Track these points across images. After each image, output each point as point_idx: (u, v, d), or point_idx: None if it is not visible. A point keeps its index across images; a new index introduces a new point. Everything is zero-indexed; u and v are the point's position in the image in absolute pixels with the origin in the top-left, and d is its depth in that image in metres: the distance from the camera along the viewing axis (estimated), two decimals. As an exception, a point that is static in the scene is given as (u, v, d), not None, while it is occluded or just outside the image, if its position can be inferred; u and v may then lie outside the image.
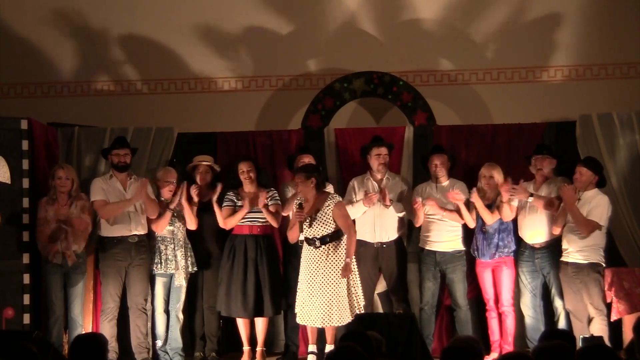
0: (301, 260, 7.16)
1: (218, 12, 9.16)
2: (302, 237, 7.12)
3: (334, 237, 7.07)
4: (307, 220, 7.06)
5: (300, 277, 7.15)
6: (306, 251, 7.13)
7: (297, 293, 7.16)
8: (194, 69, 9.21)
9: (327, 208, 7.06)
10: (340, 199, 7.23)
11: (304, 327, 7.55)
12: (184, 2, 9.19)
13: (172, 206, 7.40)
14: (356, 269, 7.12)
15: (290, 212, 7.36)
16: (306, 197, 7.09)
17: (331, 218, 7.05)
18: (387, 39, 9.05)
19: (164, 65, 9.19)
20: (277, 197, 7.51)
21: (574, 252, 7.01)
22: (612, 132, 7.66)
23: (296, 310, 7.18)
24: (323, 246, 7.05)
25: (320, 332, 7.28)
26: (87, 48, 9.24)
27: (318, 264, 7.05)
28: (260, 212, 7.39)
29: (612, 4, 8.87)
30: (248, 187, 7.49)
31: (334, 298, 7.01)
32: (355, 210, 7.43)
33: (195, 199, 7.49)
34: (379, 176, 7.56)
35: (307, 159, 7.55)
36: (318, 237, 7.04)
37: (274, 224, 7.44)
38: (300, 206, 7.06)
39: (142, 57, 9.22)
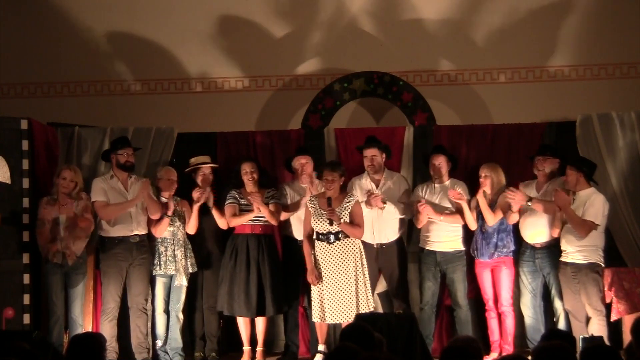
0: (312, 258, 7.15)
1: (218, 12, 9.16)
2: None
3: (346, 234, 7.13)
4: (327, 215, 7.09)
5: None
6: (319, 248, 7.12)
7: (317, 293, 7.10)
8: (194, 69, 9.22)
9: (347, 204, 7.12)
10: (359, 199, 7.27)
11: (305, 328, 7.57)
12: (184, 2, 9.20)
13: (169, 213, 7.39)
14: (366, 268, 7.16)
15: (299, 210, 7.42)
16: (333, 193, 7.09)
17: (348, 216, 7.09)
18: (387, 39, 9.06)
19: (164, 65, 9.20)
20: (277, 197, 7.52)
21: (573, 252, 7.01)
22: (612, 132, 7.66)
23: (317, 311, 7.10)
24: (336, 242, 7.08)
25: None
26: (87, 48, 9.25)
27: (335, 260, 7.07)
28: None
29: (612, 4, 8.88)
30: (250, 188, 7.49)
31: (354, 293, 7.05)
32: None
33: (201, 201, 7.47)
34: (376, 177, 7.56)
35: (305, 160, 7.56)
36: (333, 232, 7.07)
37: (273, 222, 7.45)
38: (330, 203, 7.05)
39: (142, 57, 9.23)
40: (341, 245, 7.10)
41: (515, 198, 7.14)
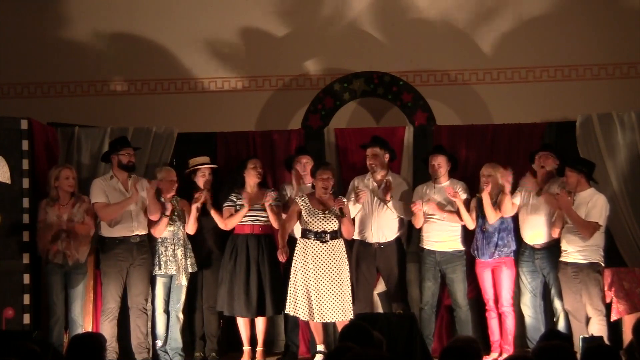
0: (301, 257, 7.14)
1: (218, 12, 9.16)
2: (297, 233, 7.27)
3: (339, 233, 7.18)
4: (322, 214, 7.13)
5: (303, 276, 7.11)
6: (310, 247, 7.13)
7: (302, 293, 7.11)
8: (194, 69, 9.21)
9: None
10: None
11: (305, 328, 7.56)
12: (184, 2, 9.20)
13: (167, 213, 7.39)
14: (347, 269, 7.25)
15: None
16: (328, 192, 7.20)
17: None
18: (387, 39, 9.05)
19: (164, 65, 9.19)
20: (278, 198, 7.52)
21: (574, 252, 7.02)
22: (612, 132, 7.66)
23: (302, 311, 7.12)
24: (331, 241, 7.11)
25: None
26: (87, 48, 9.25)
27: (327, 259, 7.10)
28: (262, 210, 7.42)
29: (613, 4, 8.87)
30: (251, 187, 7.48)
31: (347, 292, 7.13)
32: (352, 210, 7.43)
33: (200, 204, 7.47)
34: (378, 176, 7.56)
35: (305, 160, 7.58)
36: (329, 231, 7.11)
37: (275, 225, 7.45)
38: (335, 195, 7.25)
39: (142, 57, 9.22)
40: (332, 245, 7.14)
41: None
